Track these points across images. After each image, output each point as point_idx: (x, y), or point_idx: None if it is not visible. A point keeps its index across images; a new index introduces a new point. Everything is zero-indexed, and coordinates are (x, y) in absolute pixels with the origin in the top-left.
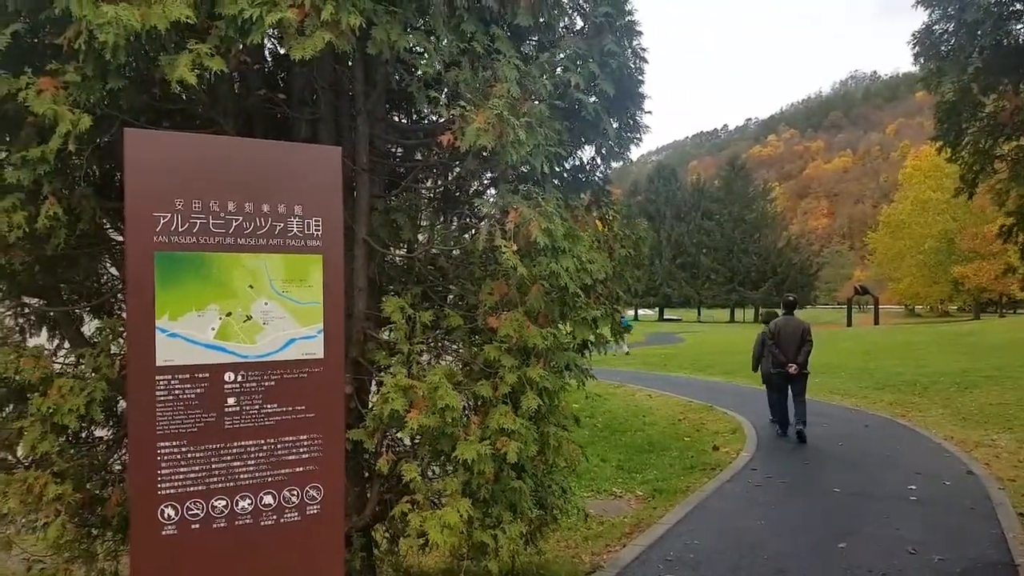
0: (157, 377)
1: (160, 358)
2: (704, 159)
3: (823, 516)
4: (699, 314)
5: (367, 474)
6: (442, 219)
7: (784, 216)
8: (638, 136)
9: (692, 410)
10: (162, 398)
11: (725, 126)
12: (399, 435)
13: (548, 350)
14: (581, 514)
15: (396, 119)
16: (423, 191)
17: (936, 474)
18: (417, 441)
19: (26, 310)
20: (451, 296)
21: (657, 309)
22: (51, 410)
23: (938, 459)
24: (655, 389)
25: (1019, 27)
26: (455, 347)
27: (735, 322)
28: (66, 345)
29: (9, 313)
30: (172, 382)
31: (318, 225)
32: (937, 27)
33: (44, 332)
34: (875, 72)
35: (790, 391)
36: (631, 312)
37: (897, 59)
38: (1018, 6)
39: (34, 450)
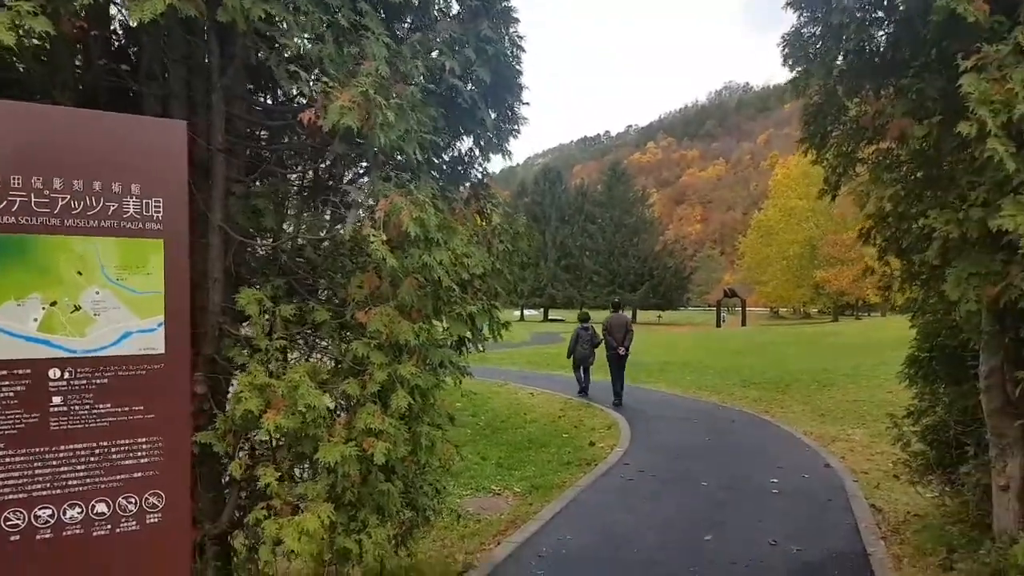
0: None
1: None
2: (588, 164)
3: (691, 509)
4: None
5: (224, 479)
6: (311, 208)
7: (661, 221)
8: (516, 128)
9: (572, 408)
10: None
11: (608, 132)
12: (260, 437)
13: (421, 347)
14: (454, 515)
15: (261, 99)
16: (292, 178)
17: (796, 467)
18: (279, 443)
19: None
20: (321, 290)
21: (542, 310)
22: None
23: (799, 453)
24: (537, 387)
25: (880, 34)
26: (324, 344)
27: None
28: None
29: None
30: None
31: (158, 206)
32: (805, 30)
33: None
34: (748, 83)
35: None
36: (516, 313)
37: (768, 71)
38: (879, 13)
39: None
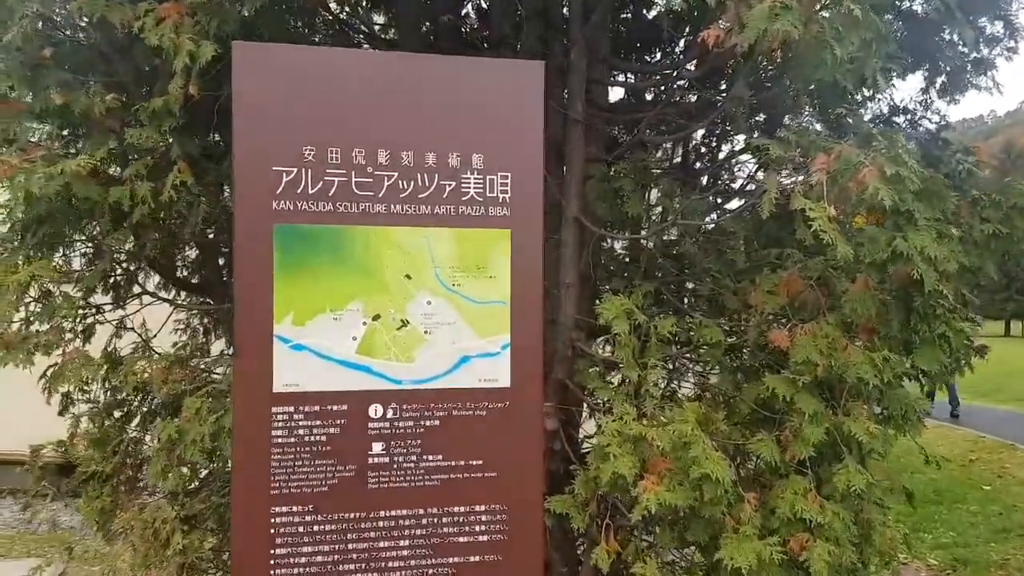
0: (274, 409)
1: (279, 381)
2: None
3: None
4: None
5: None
6: (684, 189)
7: None
8: (1012, 47)
9: (985, 448)
10: (280, 440)
11: (992, 112)
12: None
13: (878, 388)
14: None
15: (621, 63)
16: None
17: None
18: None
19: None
20: (689, 296)
21: None
22: (173, 437)
23: None
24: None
25: None
26: (696, 368)
27: (1011, 336)
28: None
29: (195, 312)
30: (295, 417)
31: (505, 184)
32: None
33: None
34: None
35: None
36: None
37: None
38: None
39: (156, 487)
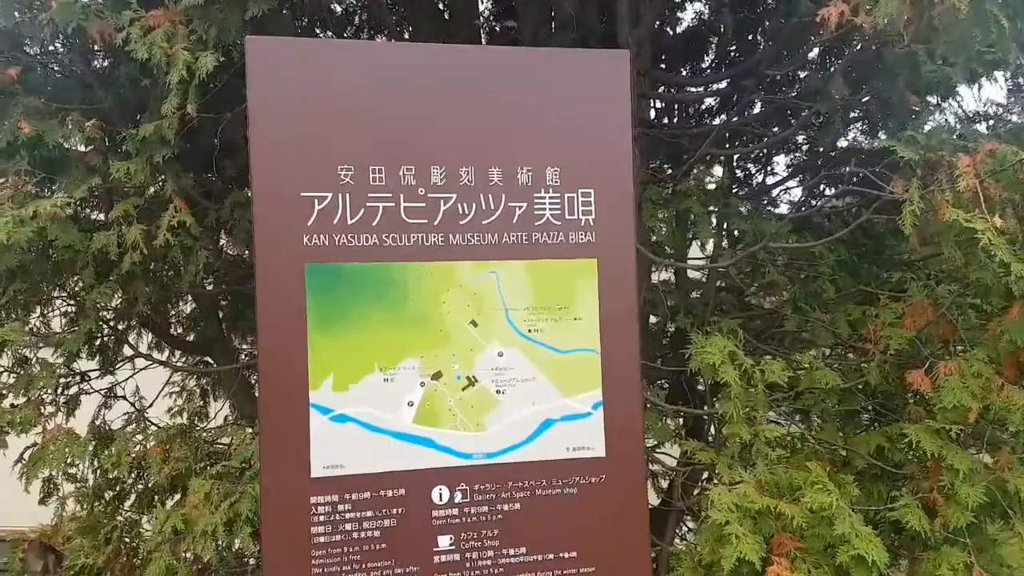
0: (313, 499)
1: (319, 463)
2: None
3: None
4: None
5: None
6: (751, 211)
7: None
8: None
9: None
10: (322, 540)
11: None
12: None
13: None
14: None
15: (664, 74)
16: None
17: None
18: None
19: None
20: (768, 332)
21: None
22: (179, 528)
23: None
24: None
25: None
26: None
27: None
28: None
29: (191, 373)
30: (340, 508)
31: (587, 203)
32: None
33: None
34: None
35: None
36: None
37: None
38: None
39: None
